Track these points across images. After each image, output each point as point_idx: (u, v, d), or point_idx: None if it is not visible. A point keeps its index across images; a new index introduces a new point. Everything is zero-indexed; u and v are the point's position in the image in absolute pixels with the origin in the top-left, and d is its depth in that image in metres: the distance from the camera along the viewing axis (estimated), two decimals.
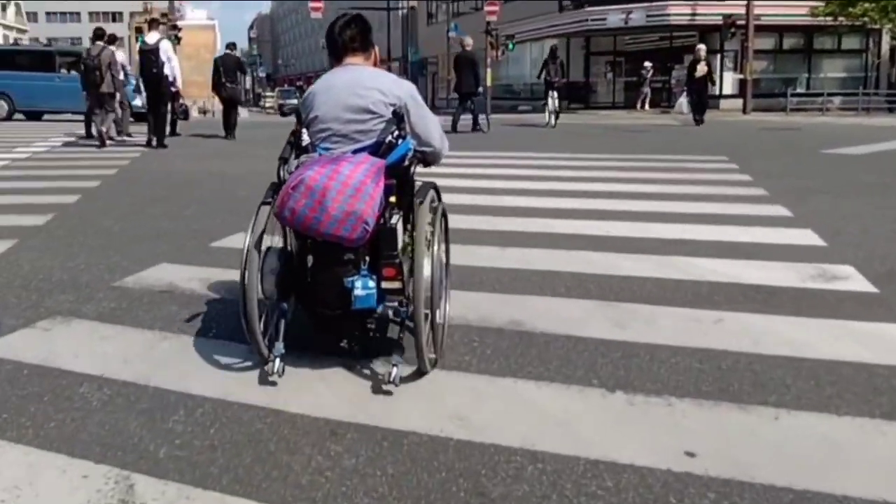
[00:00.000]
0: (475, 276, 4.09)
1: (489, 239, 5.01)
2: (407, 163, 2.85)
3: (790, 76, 28.38)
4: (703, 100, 17.97)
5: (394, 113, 2.81)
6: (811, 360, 2.87)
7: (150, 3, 35.40)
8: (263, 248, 2.70)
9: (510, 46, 28.80)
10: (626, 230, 5.29)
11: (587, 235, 5.14)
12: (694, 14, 26.77)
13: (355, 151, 2.76)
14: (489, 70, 21.42)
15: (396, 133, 2.80)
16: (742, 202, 6.44)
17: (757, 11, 23.59)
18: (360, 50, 2.99)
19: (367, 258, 2.70)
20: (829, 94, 25.13)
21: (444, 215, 3.09)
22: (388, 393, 2.61)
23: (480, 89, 17.00)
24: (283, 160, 2.85)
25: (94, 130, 12.27)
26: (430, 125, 2.99)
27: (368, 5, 49.23)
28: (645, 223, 5.52)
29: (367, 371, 2.83)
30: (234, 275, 4.11)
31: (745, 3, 23.35)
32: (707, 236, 5.08)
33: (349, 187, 2.54)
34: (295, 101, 25.12)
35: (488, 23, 24.60)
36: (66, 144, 12.63)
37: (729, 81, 27.11)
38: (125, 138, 13.12)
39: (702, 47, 18.34)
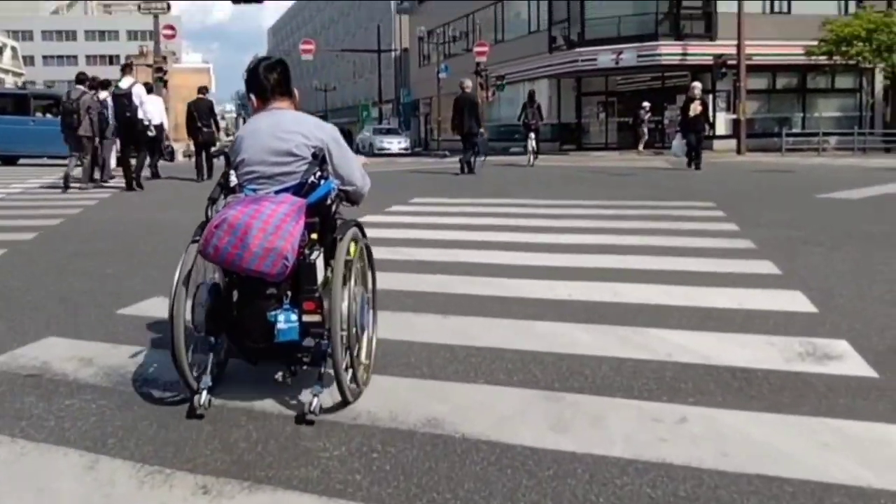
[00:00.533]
0: (404, 354, 3.48)
1: (432, 304, 4.40)
2: (330, 202, 2.95)
3: (785, 116, 28.09)
4: (699, 142, 16.66)
5: (313, 155, 2.90)
6: (794, 483, 2.24)
7: (146, 46, 35.36)
8: (198, 282, 2.79)
9: (500, 87, 28.56)
10: (591, 293, 4.67)
11: (546, 300, 4.52)
12: (685, 54, 26.55)
13: (279, 192, 2.85)
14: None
15: (319, 174, 2.91)
16: (725, 257, 5.82)
17: (748, 51, 23.32)
18: (285, 94, 3.11)
19: (290, 293, 2.77)
20: (825, 134, 24.72)
21: (368, 252, 3.16)
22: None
23: (482, 130, 17.34)
24: (212, 200, 2.96)
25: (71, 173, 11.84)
26: (352, 166, 3.10)
27: (360, 47, 49.66)
28: (613, 283, 4.90)
29: (290, 409, 2.84)
30: (122, 352, 3.59)
31: (735, 43, 23.09)
32: (681, 301, 4.45)
33: (270, 225, 2.64)
34: None
35: (478, 63, 24.32)
36: (27, 191, 12.11)
37: (722, 121, 26.65)
38: (102, 183, 12.63)
39: (697, 85, 17.44)
